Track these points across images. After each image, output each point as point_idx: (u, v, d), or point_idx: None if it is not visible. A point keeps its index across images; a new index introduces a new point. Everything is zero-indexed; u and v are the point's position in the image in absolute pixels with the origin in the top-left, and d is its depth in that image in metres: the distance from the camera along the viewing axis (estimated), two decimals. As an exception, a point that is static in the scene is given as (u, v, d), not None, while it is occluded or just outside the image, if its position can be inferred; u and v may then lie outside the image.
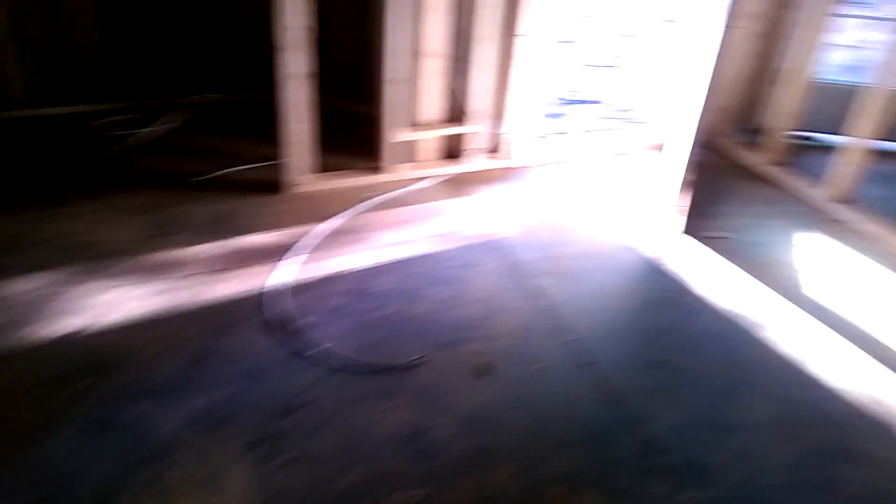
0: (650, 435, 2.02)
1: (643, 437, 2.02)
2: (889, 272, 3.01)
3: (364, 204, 3.16)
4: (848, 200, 3.46)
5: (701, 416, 2.12)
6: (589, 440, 1.99)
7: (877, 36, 4.05)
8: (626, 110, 4.44)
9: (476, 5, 3.21)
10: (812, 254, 3.11)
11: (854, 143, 3.36)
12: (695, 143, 3.08)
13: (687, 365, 2.34)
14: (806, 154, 4.16)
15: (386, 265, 2.71)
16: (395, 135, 3.29)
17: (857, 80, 4.01)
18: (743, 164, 4.07)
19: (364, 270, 2.66)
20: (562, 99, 4.46)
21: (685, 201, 3.24)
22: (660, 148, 3.93)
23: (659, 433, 2.04)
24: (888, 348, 2.50)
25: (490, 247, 2.94)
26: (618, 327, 2.54)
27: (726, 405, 2.18)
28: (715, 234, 3.27)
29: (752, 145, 4.16)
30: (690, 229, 3.19)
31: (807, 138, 4.36)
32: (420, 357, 2.22)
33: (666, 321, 2.58)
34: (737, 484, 1.90)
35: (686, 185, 3.21)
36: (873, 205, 3.45)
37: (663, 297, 2.75)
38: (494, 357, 2.27)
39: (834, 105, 3.74)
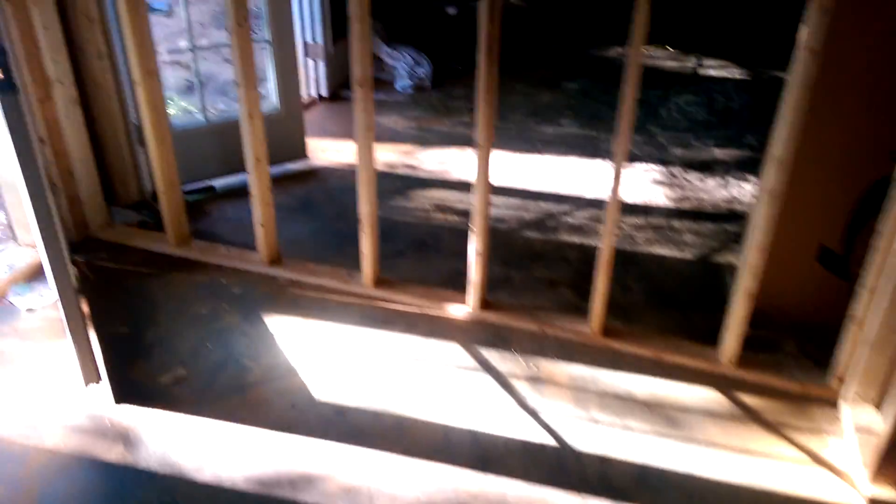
0: None
1: None
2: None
3: None
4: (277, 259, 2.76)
5: None
6: None
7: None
8: None
9: None
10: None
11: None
12: (55, 266, 1.87)
13: None
14: (217, 208, 3.38)
15: None
16: None
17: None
18: (152, 252, 2.97)
19: None
20: None
21: (87, 356, 2.04)
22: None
23: None
24: None
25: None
26: None
27: None
28: (169, 377, 2.18)
29: (149, 224, 3.06)
30: (126, 391, 2.32)
31: (206, 190, 3.49)
32: None
33: None
34: None
35: (77, 335, 1.99)
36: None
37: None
38: None
39: (215, 144, 3.53)
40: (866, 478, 2.00)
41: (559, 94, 5.35)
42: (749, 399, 2.35)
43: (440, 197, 3.70)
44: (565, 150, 4.31)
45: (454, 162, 4.12)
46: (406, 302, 2.77)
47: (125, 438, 2.11)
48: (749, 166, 4.13)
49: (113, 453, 2.06)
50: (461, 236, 3.30)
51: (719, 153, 4.32)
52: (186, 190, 3.54)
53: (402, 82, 5.29)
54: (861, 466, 2.05)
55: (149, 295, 2.79)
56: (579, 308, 2.79)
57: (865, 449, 2.09)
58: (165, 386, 2.32)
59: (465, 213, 3.49)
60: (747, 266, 2.21)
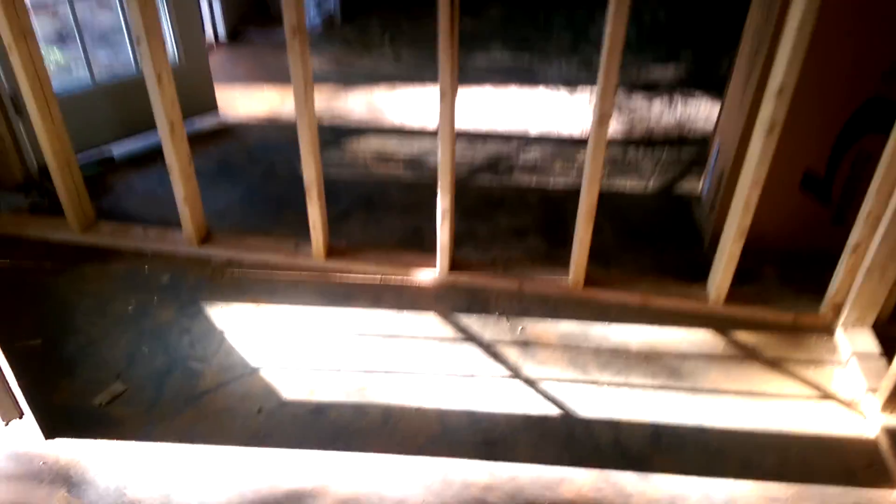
0: None
1: None
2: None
3: None
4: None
5: None
6: None
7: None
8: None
9: None
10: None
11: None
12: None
13: None
14: (120, 180, 3.03)
15: None
16: None
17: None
18: (52, 242, 2.58)
19: None
20: None
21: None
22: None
23: None
24: None
25: None
26: None
27: None
28: (104, 396, 1.97)
29: (43, 207, 2.62)
30: (56, 421, 1.96)
31: (104, 161, 3.04)
32: None
33: None
34: None
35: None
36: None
37: None
38: None
39: (107, 107, 3.11)
40: (877, 406, 1.94)
41: (483, 20, 4.99)
42: (744, 336, 2.25)
43: (377, 145, 3.35)
44: (502, 79, 4.02)
45: (385, 104, 3.75)
46: (366, 272, 2.47)
47: (67, 479, 1.75)
48: (689, 84, 3.99)
49: (56, 500, 1.72)
50: (410, 189, 3.00)
51: (659, 73, 4.16)
52: (81, 165, 3.04)
53: (311, 18, 4.78)
54: (867, 394, 2.00)
55: (58, 295, 2.35)
56: (553, 256, 2.59)
57: (870, 376, 2.04)
58: (102, 407, 1.96)
59: (410, 162, 3.18)
60: (743, 202, 2.04)
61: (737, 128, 2.45)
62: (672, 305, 2.33)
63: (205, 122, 3.43)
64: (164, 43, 2.16)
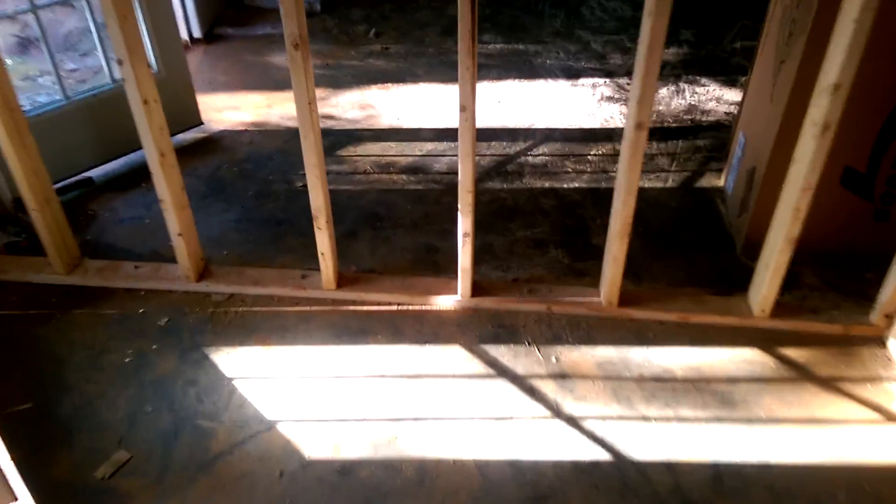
0: None
1: None
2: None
3: None
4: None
5: None
6: None
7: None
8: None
9: None
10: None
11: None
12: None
13: None
14: (102, 206, 2.81)
15: None
16: None
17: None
18: (35, 284, 2.45)
19: None
20: None
21: None
22: None
23: None
24: None
25: None
26: None
27: None
28: (108, 467, 1.86)
29: (21, 244, 2.45)
30: (56, 501, 1.78)
31: (83, 183, 2.90)
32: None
33: None
34: None
35: None
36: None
37: None
38: None
39: (84, 126, 2.87)
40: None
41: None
42: (793, 353, 2.10)
43: (376, 152, 3.14)
44: (498, 72, 3.81)
45: (379, 104, 3.52)
46: (381, 301, 2.29)
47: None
48: (694, 66, 3.80)
49: None
50: (416, 199, 2.80)
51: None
52: (57, 188, 2.81)
53: (288, 9, 4.51)
54: (931, 413, 1.87)
55: (47, 347, 2.14)
56: (577, 270, 2.42)
57: (933, 393, 1.91)
58: (106, 481, 1.76)
59: (413, 170, 2.98)
60: (791, 209, 1.88)
61: (769, 123, 2.28)
62: (713, 320, 2.18)
63: (188, 136, 3.20)
64: (148, 63, 1.93)
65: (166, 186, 2.07)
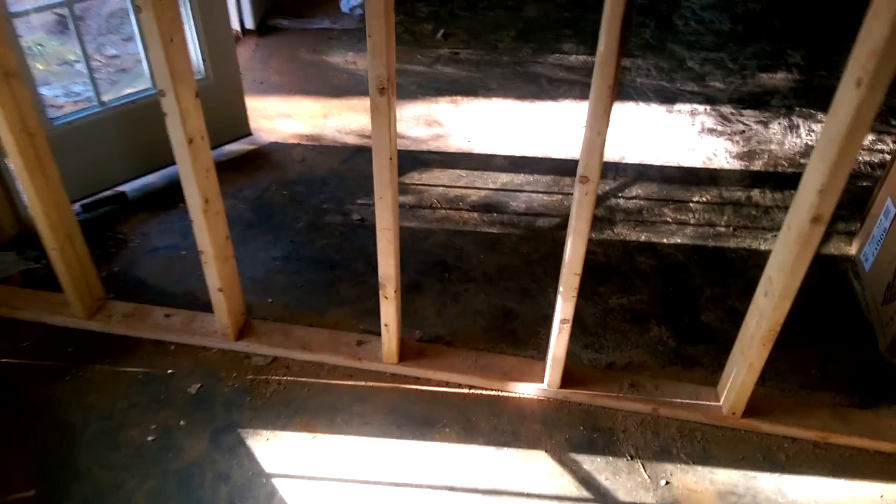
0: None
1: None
2: None
3: None
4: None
5: None
6: None
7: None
8: None
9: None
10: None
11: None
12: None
13: None
14: (134, 228, 2.51)
15: None
16: None
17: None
18: (50, 327, 2.14)
19: None
20: None
21: None
22: None
23: None
24: None
25: None
26: None
27: None
28: None
29: (39, 272, 2.19)
30: None
31: (115, 198, 2.65)
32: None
33: None
34: None
35: None
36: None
37: None
38: None
39: (119, 136, 2.54)
40: None
41: (546, 3, 4.30)
42: (964, 497, 1.70)
43: (444, 181, 2.74)
44: (582, 89, 3.37)
45: (448, 121, 3.12)
46: (451, 381, 1.92)
47: None
48: (807, 96, 3.32)
49: None
50: (491, 246, 2.41)
51: (767, 79, 3.49)
52: (86, 203, 2.49)
53: (350, 1, 4.12)
54: None
55: (58, 413, 1.80)
56: (684, 357, 2.01)
57: None
58: None
59: (486, 207, 2.59)
60: None
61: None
62: (858, 444, 1.78)
63: (235, 148, 2.85)
64: (196, 95, 1.57)
65: (209, 237, 1.72)
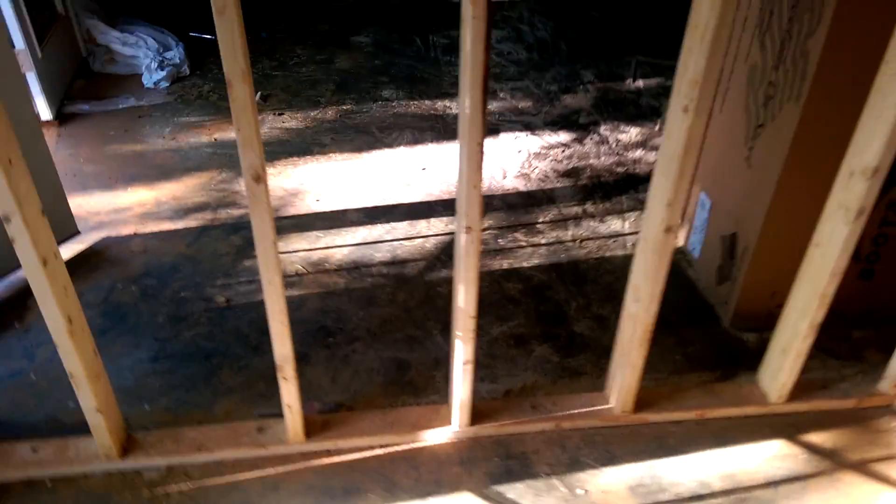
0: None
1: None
2: None
3: None
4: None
5: None
6: None
7: None
8: None
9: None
10: None
11: None
12: None
13: None
14: None
15: None
16: None
17: None
18: None
19: None
20: None
21: None
22: None
23: None
24: None
25: None
26: None
27: None
28: None
29: None
30: None
31: None
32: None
33: None
34: None
35: None
36: None
37: None
38: None
39: None
40: None
41: (355, 53, 4.41)
42: (817, 438, 1.96)
43: (303, 245, 2.70)
44: (413, 134, 3.50)
45: (292, 184, 3.09)
46: (363, 446, 1.90)
47: None
48: (607, 110, 3.71)
49: None
50: (367, 302, 2.42)
51: (570, 100, 3.85)
52: None
53: (153, 75, 3.93)
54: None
55: None
56: (570, 369, 2.16)
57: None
58: None
59: (353, 266, 2.60)
60: (818, 296, 1.75)
61: (752, 190, 2.15)
62: (731, 413, 2.02)
63: (64, 250, 2.61)
64: (42, 210, 1.44)
65: (78, 358, 1.57)
